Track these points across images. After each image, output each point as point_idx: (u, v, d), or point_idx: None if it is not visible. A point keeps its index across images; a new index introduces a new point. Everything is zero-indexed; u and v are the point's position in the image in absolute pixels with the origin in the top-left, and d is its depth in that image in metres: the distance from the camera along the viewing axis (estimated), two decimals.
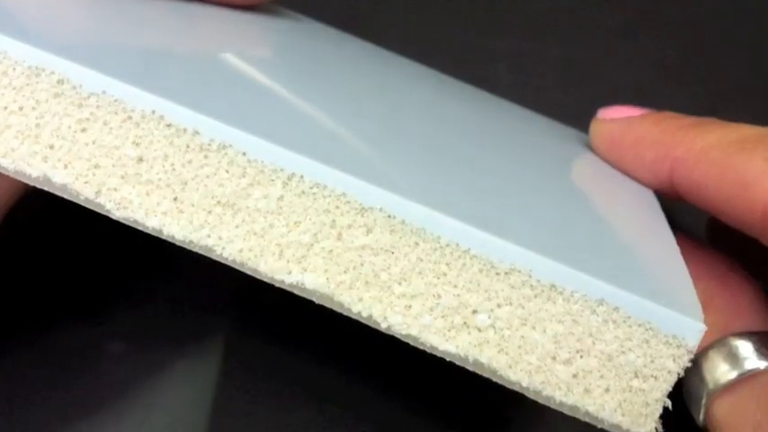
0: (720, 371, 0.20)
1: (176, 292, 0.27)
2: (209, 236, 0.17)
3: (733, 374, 0.20)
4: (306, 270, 0.17)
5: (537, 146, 0.28)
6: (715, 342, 0.21)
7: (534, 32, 0.31)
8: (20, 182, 0.23)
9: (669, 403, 0.17)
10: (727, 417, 0.20)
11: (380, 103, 0.25)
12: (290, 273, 0.17)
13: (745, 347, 0.20)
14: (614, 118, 0.26)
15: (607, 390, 0.17)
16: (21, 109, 0.18)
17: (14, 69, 0.18)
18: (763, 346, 0.20)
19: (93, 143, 0.18)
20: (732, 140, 0.20)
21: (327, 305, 0.17)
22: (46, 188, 0.18)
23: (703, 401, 0.20)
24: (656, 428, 0.17)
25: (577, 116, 0.30)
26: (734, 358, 0.20)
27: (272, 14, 0.29)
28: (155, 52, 0.20)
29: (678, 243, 0.21)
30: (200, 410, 0.25)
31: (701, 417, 0.21)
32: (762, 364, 0.20)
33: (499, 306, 0.17)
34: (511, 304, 0.17)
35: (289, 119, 0.19)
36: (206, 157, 0.17)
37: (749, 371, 0.20)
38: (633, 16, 0.32)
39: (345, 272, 0.17)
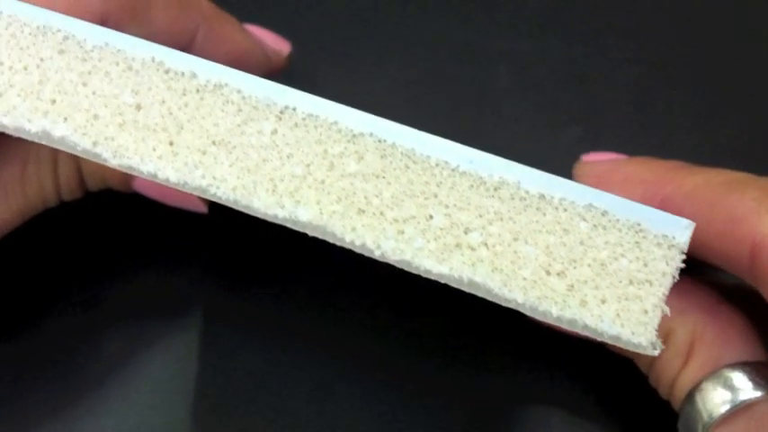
0: (715, 403, 0.20)
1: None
2: (203, 176, 0.18)
3: (728, 406, 0.20)
4: (299, 203, 0.17)
5: None
6: (708, 375, 0.21)
7: (534, 32, 0.31)
8: (16, 214, 0.24)
9: (668, 310, 0.16)
10: None
11: None
12: (283, 207, 0.17)
13: (738, 378, 0.20)
14: (600, 160, 0.26)
15: (603, 300, 0.16)
16: (25, 68, 0.19)
17: (22, 30, 0.19)
18: (757, 376, 0.20)
19: (94, 94, 0.18)
20: (720, 181, 0.21)
21: (320, 236, 0.17)
22: (44, 142, 0.19)
23: None
24: (656, 338, 0.16)
25: (577, 117, 0.30)
26: (728, 390, 0.20)
27: None
28: None
29: None
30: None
31: None
32: (757, 394, 0.20)
33: (490, 222, 0.17)
34: (502, 219, 0.17)
35: None
36: (202, 98, 0.18)
37: (744, 401, 0.20)
38: (633, 16, 0.32)
39: (338, 201, 0.17)
